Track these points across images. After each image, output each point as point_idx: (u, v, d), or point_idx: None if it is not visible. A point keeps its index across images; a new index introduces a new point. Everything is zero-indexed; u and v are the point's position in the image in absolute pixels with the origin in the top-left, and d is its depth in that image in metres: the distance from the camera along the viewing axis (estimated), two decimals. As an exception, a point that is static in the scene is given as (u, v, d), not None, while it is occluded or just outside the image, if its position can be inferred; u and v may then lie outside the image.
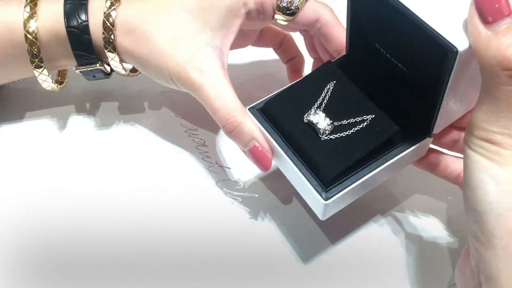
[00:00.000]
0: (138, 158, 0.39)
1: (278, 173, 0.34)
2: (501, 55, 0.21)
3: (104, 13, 0.32)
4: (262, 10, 0.34)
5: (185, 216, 0.36)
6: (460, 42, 0.24)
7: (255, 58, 0.46)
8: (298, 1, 0.34)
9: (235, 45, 0.39)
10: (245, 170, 0.39)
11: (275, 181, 0.38)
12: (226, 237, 0.35)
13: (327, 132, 0.30)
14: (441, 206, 0.38)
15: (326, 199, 0.28)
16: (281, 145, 0.31)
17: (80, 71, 0.35)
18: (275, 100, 0.32)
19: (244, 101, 0.32)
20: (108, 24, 0.32)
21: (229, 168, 0.39)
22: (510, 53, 0.21)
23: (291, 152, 0.30)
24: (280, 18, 0.34)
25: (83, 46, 0.33)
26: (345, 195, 0.29)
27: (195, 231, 0.35)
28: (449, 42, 0.24)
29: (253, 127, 0.31)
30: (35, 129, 0.39)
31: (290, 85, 0.33)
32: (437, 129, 0.30)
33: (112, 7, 0.32)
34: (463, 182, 0.25)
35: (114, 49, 0.33)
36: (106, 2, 0.33)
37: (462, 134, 0.32)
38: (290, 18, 0.35)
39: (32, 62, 0.33)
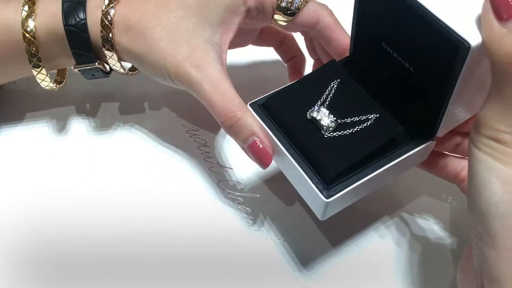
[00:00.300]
0: (138, 158, 0.39)
1: (280, 174, 0.34)
2: None
3: (102, 11, 0.32)
4: (262, 9, 0.34)
5: (186, 216, 0.36)
6: (472, 38, 0.23)
7: (255, 58, 0.46)
8: (299, 2, 0.34)
9: (235, 44, 0.39)
10: (246, 171, 0.38)
11: (277, 182, 0.38)
12: (227, 238, 0.35)
13: (330, 129, 0.30)
14: (440, 207, 0.38)
15: (328, 197, 0.28)
16: (282, 142, 0.30)
17: (78, 70, 0.35)
18: (277, 96, 0.32)
19: (244, 100, 0.32)
20: (106, 22, 0.32)
21: (230, 168, 0.39)
22: None
23: (292, 149, 0.30)
24: (279, 18, 0.34)
25: (82, 44, 0.33)
26: (346, 194, 0.28)
27: (195, 231, 0.35)
28: (461, 37, 0.23)
29: (253, 122, 0.30)
30: (35, 130, 0.39)
31: (293, 82, 0.33)
32: (440, 132, 0.30)
33: (111, 5, 0.32)
34: (468, 182, 0.24)
35: (112, 47, 0.33)
36: (104, 0, 0.32)
37: (464, 139, 0.32)
38: (290, 18, 0.34)
39: (30, 61, 0.33)
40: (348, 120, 0.31)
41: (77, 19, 0.32)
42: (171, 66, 0.31)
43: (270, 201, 0.37)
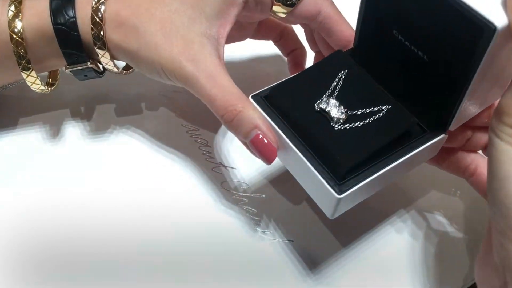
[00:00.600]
0: (138, 161, 0.37)
1: (286, 173, 0.33)
2: None
3: (92, 7, 0.31)
4: (260, 0, 0.32)
5: (190, 219, 0.35)
6: (498, 19, 0.22)
7: (254, 52, 0.45)
8: None
9: (232, 38, 0.38)
10: (250, 170, 0.37)
11: (283, 181, 0.37)
12: (233, 240, 0.34)
13: (341, 121, 0.29)
14: (450, 201, 0.37)
15: (340, 193, 0.26)
16: (288, 135, 0.29)
17: (70, 71, 0.34)
18: (282, 87, 0.31)
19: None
20: (97, 19, 0.31)
21: (234, 168, 0.38)
22: None
23: (300, 143, 0.28)
24: (279, 9, 0.33)
25: (72, 43, 0.32)
26: (359, 190, 0.27)
27: (200, 234, 0.34)
28: (486, 19, 0.22)
29: (255, 115, 0.29)
30: (29, 136, 0.38)
31: (298, 73, 0.32)
32: (453, 125, 0.28)
33: (101, 1, 0.31)
34: (488, 174, 0.23)
35: (104, 46, 0.32)
36: (94, -4, 0.31)
37: (475, 133, 0.31)
38: (290, 9, 0.33)
39: (19, 64, 0.32)
40: (359, 111, 0.29)
41: (66, 17, 0.31)
42: (166, 62, 0.30)
43: (276, 200, 0.36)
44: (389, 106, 0.29)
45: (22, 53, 0.31)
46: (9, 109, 0.39)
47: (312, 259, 0.33)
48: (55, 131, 0.38)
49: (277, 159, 0.30)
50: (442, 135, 0.29)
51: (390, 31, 0.30)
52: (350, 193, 0.26)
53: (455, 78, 0.26)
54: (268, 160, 0.29)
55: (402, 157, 0.28)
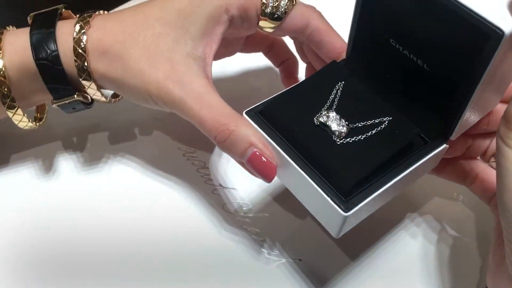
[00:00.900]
0: (135, 188, 0.37)
1: (288, 189, 0.32)
2: None
3: (74, 38, 0.30)
4: (246, 17, 0.32)
5: (194, 243, 0.34)
6: (505, 24, 0.21)
7: (244, 66, 0.44)
8: (285, 5, 0.32)
9: (221, 54, 0.37)
10: (251, 190, 0.37)
11: (285, 198, 0.36)
12: (239, 262, 0.33)
13: (343, 135, 0.28)
14: (453, 206, 0.37)
15: (347, 210, 0.25)
16: (287, 152, 0.28)
17: (57, 105, 0.33)
18: (277, 102, 0.30)
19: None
20: (80, 51, 0.30)
21: (234, 189, 0.37)
22: None
23: (300, 159, 0.27)
24: (265, 25, 0.33)
25: (56, 78, 0.31)
26: (365, 206, 0.26)
27: (205, 258, 0.34)
28: (493, 24, 0.21)
29: (249, 132, 0.28)
30: (22, 173, 0.37)
31: (293, 86, 0.31)
32: (455, 135, 0.28)
33: (82, 31, 0.31)
34: (498, 184, 0.23)
35: (89, 76, 0.31)
36: (75, 26, 0.31)
37: (475, 140, 0.31)
38: (277, 23, 0.33)
39: (3, 103, 0.31)
40: (360, 124, 0.28)
41: (48, 51, 0.31)
42: (152, 87, 0.30)
43: (279, 218, 0.35)
44: (390, 118, 0.29)
45: (6, 92, 0.31)
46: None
47: (322, 277, 0.33)
48: (48, 166, 0.38)
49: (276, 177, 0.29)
50: (444, 145, 0.29)
51: (387, 40, 0.29)
52: (357, 210, 0.26)
53: (458, 86, 0.25)
54: (268, 178, 0.29)
55: (406, 169, 0.27)
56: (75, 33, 0.31)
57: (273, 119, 0.29)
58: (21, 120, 0.33)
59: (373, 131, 0.28)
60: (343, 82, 0.30)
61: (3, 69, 0.30)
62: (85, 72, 0.31)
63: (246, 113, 0.29)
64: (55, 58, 0.31)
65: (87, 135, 0.39)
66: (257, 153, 0.28)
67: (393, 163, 0.27)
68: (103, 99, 0.33)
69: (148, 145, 0.39)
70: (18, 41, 0.31)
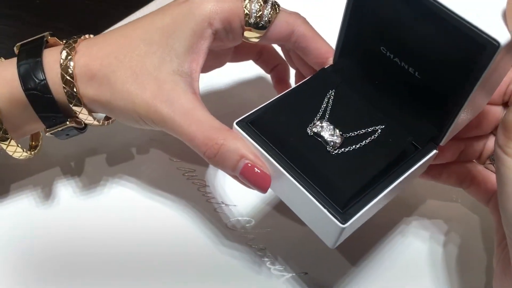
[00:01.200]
0: (137, 211, 0.37)
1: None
2: None
3: (61, 65, 0.31)
4: (230, 29, 0.32)
5: (199, 262, 0.34)
6: (500, 35, 0.21)
7: (235, 75, 0.44)
8: (268, 14, 0.32)
9: (211, 66, 0.38)
10: (252, 204, 0.37)
11: (286, 211, 0.35)
12: (246, 280, 0.33)
13: (337, 145, 0.28)
14: (453, 209, 0.37)
15: (344, 222, 0.25)
16: (282, 163, 0.27)
17: (51, 133, 0.33)
18: (269, 111, 0.30)
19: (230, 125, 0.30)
20: (67, 77, 0.31)
21: (235, 205, 0.37)
22: None
23: (295, 170, 0.27)
24: (250, 35, 0.33)
25: (47, 106, 0.31)
26: (361, 216, 0.26)
27: (211, 276, 0.34)
28: (488, 35, 0.22)
29: (239, 144, 0.28)
30: (22, 202, 0.37)
31: (283, 95, 0.31)
32: (445, 140, 0.28)
33: (68, 57, 0.31)
34: (499, 194, 0.22)
35: (79, 102, 0.31)
36: (61, 53, 0.31)
37: (467, 144, 0.32)
38: (262, 32, 0.32)
39: (-4, 136, 0.31)
40: (354, 133, 0.29)
41: (37, 80, 0.31)
42: (141, 108, 0.30)
43: (283, 232, 0.35)
44: (383, 126, 0.29)
45: (-2, 124, 0.31)
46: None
47: (325, 283, 0.33)
48: (47, 193, 0.38)
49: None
50: (434, 151, 0.29)
51: (377, 47, 0.29)
52: (354, 220, 0.26)
53: (450, 95, 0.26)
54: (262, 188, 0.28)
55: (400, 177, 0.27)
56: (61, 60, 0.31)
57: (265, 130, 0.29)
58: (15, 151, 0.33)
59: (367, 140, 0.28)
60: (334, 90, 0.30)
61: (-7, 102, 0.31)
62: (75, 98, 0.31)
63: (237, 123, 0.29)
64: (44, 87, 0.31)
65: (84, 160, 0.40)
66: (249, 164, 0.28)
67: (386, 171, 0.27)
68: (95, 122, 0.34)
69: (147, 167, 0.39)
70: (6, 72, 0.31)
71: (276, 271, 0.34)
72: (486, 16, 0.22)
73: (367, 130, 0.29)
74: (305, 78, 0.33)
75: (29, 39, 0.32)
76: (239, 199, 0.37)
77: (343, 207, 0.26)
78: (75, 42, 0.32)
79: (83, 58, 0.31)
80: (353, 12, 0.29)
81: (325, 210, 0.26)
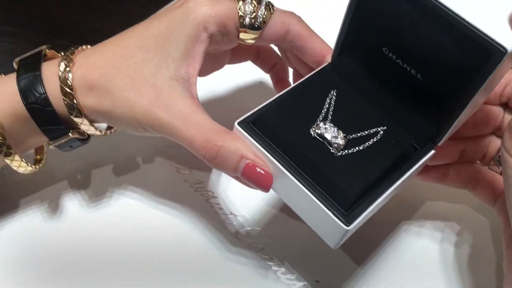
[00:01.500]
0: (146, 223, 0.37)
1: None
2: None
3: (60, 77, 0.31)
4: (226, 32, 0.32)
5: (210, 274, 0.34)
6: (506, 42, 0.22)
7: (234, 76, 0.44)
8: (263, 15, 0.32)
9: (209, 69, 0.38)
10: (261, 213, 0.37)
11: (294, 218, 0.36)
12: None
13: (341, 147, 0.28)
14: (454, 209, 0.38)
15: (348, 224, 0.25)
16: (285, 164, 0.27)
17: (54, 146, 0.34)
18: (270, 112, 0.30)
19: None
20: (67, 89, 0.31)
21: (245, 216, 0.37)
22: None
23: (298, 172, 0.27)
24: (246, 36, 0.33)
25: (49, 119, 0.32)
26: (364, 217, 0.26)
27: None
28: (495, 41, 0.22)
29: (238, 145, 0.28)
30: (31, 217, 0.38)
31: (284, 94, 0.31)
32: (443, 141, 0.29)
33: (67, 69, 0.31)
34: (506, 194, 0.23)
35: (80, 113, 0.32)
36: (59, 65, 0.31)
37: (468, 144, 0.33)
38: (257, 33, 0.33)
39: (0, 152, 0.32)
40: (357, 135, 0.29)
41: (37, 94, 0.31)
42: (140, 115, 0.30)
43: (293, 240, 0.36)
44: (385, 127, 0.29)
45: (1, 140, 0.32)
46: (7, 194, 0.40)
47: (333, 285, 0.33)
48: (54, 207, 0.38)
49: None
50: (432, 152, 0.30)
51: (379, 48, 0.30)
52: (357, 222, 0.26)
53: (452, 97, 0.26)
54: (265, 187, 0.29)
55: (400, 178, 0.28)
56: (60, 73, 0.31)
57: (267, 130, 0.29)
58: (19, 166, 0.33)
59: (370, 142, 0.29)
60: (336, 90, 0.31)
61: (-4, 118, 0.31)
62: (75, 110, 0.31)
63: (238, 124, 0.29)
64: (45, 100, 0.31)
65: (90, 173, 0.40)
66: (250, 164, 0.28)
67: (387, 172, 0.28)
68: (97, 132, 0.34)
69: (155, 179, 0.39)
70: (6, 88, 0.32)
71: (287, 281, 0.34)
72: (492, 22, 0.22)
73: (370, 132, 0.29)
74: (303, 77, 0.33)
75: (27, 54, 0.33)
76: (248, 209, 0.37)
77: (347, 209, 0.26)
78: (73, 53, 0.32)
79: (81, 69, 0.31)
80: (355, 11, 0.29)
81: (329, 212, 0.26)
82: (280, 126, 0.29)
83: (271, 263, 0.34)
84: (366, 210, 0.26)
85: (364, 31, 0.30)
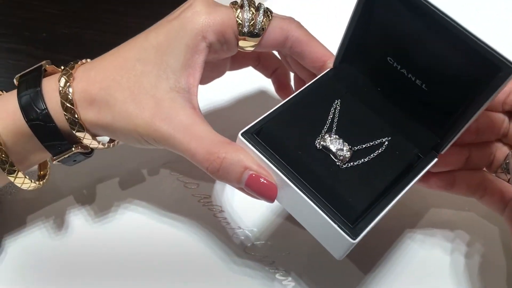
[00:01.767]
0: (153, 238, 0.37)
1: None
2: None
3: (60, 93, 0.31)
4: (224, 40, 0.32)
5: None
6: None
7: (236, 83, 0.44)
8: (261, 22, 0.32)
9: (210, 77, 0.38)
10: (270, 226, 0.37)
11: (302, 231, 0.35)
12: None
13: (347, 159, 0.28)
14: (461, 216, 0.38)
15: (355, 238, 0.25)
16: (290, 177, 0.27)
17: (58, 161, 0.34)
18: (274, 122, 0.30)
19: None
20: (68, 104, 0.31)
21: (253, 230, 0.37)
22: None
23: (304, 185, 0.27)
24: (245, 44, 0.33)
25: (51, 135, 0.32)
26: (370, 230, 0.26)
27: None
28: (504, 58, 0.23)
29: (242, 156, 0.28)
30: (37, 234, 0.38)
31: (287, 103, 0.31)
32: (446, 149, 0.29)
33: (67, 84, 0.31)
34: None
35: (82, 128, 0.32)
36: (59, 81, 0.32)
37: (472, 151, 0.33)
38: (256, 40, 0.33)
39: (3, 169, 0.32)
40: (362, 146, 0.29)
41: (38, 110, 0.31)
42: (142, 128, 0.30)
43: (303, 254, 0.36)
44: (389, 138, 0.29)
45: (4, 158, 0.32)
46: (14, 211, 0.40)
47: None
48: (59, 224, 0.39)
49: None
50: (435, 160, 0.30)
51: (384, 57, 0.30)
52: (363, 235, 0.26)
53: (458, 109, 0.26)
54: (270, 198, 0.29)
55: (405, 188, 0.28)
56: (60, 88, 0.31)
57: (271, 141, 0.29)
58: (23, 182, 0.33)
59: (375, 154, 0.29)
60: (340, 100, 0.31)
61: (-2, 136, 0.31)
62: (77, 124, 0.32)
63: (242, 134, 0.29)
64: (46, 116, 0.31)
65: (94, 187, 0.40)
66: (253, 175, 0.28)
67: (393, 183, 0.28)
68: (100, 146, 0.34)
69: (163, 194, 0.40)
70: (8, 105, 0.32)
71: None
72: (499, 37, 0.24)
73: (374, 143, 0.29)
74: (304, 81, 0.33)
75: (27, 70, 0.33)
76: (257, 223, 0.37)
77: (353, 222, 0.26)
78: (73, 68, 0.32)
79: (81, 84, 0.32)
80: (360, 19, 0.29)
81: (335, 226, 0.26)
82: (284, 137, 0.29)
83: (281, 278, 0.35)
84: (372, 223, 0.26)
85: (369, 39, 0.30)
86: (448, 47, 0.26)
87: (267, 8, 0.33)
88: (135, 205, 0.39)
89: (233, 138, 0.30)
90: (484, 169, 0.34)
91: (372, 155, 0.29)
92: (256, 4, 0.33)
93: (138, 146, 0.32)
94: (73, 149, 0.33)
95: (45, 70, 0.34)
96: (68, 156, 0.34)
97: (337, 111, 0.30)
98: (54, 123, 0.32)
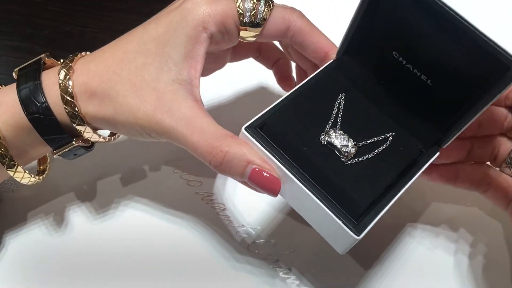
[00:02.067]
0: (155, 236, 0.37)
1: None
2: None
3: (60, 86, 0.31)
4: (225, 31, 0.32)
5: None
6: None
7: (237, 75, 0.44)
8: (262, 11, 0.32)
9: (211, 69, 0.38)
10: (275, 226, 0.37)
11: (309, 230, 0.35)
12: None
13: (351, 155, 0.28)
14: (464, 212, 0.38)
15: (359, 234, 0.25)
16: (294, 172, 0.27)
17: (58, 155, 0.33)
18: (278, 116, 0.30)
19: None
20: (68, 98, 0.31)
21: (257, 228, 0.37)
22: None
23: (308, 180, 0.27)
24: (246, 34, 0.33)
25: (51, 128, 0.32)
26: (373, 226, 0.26)
27: None
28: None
29: (245, 150, 0.28)
30: (37, 231, 0.38)
31: (291, 97, 0.31)
32: (448, 143, 0.29)
33: (67, 77, 0.31)
34: None
35: (82, 121, 0.32)
36: (59, 74, 0.31)
37: (474, 143, 0.33)
38: (258, 30, 0.33)
39: (2, 164, 0.32)
40: (366, 142, 0.29)
41: (38, 104, 0.31)
42: (143, 121, 0.30)
43: (307, 251, 0.36)
44: (394, 133, 0.29)
45: (4, 152, 0.32)
46: (15, 208, 0.40)
47: None
48: (59, 221, 0.38)
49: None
50: (437, 154, 0.30)
51: (389, 52, 0.30)
52: (367, 231, 0.26)
53: (463, 106, 0.26)
54: (273, 192, 0.28)
55: (408, 183, 0.28)
56: (60, 81, 0.31)
57: (275, 135, 0.29)
58: (22, 177, 0.33)
59: (379, 149, 0.29)
60: (344, 95, 0.31)
61: (-3, 130, 0.31)
62: (78, 118, 0.31)
63: (245, 129, 0.29)
64: (46, 110, 0.31)
65: (95, 183, 0.40)
66: (256, 169, 0.28)
67: (397, 179, 0.28)
68: (101, 139, 0.34)
69: (166, 191, 0.39)
70: (7, 99, 0.32)
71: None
72: (507, 36, 0.23)
73: (379, 138, 0.29)
74: (305, 72, 0.33)
75: (26, 63, 0.33)
76: (260, 221, 0.37)
77: (357, 219, 0.26)
78: (72, 61, 0.32)
79: (81, 77, 0.32)
80: (366, 12, 0.29)
81: (340, 222, 0.26)
82: (288, 131, 0.29)
83: (285, 276, 0.35)
84: (376, 219, 0.26)
85: (374, 33, 0.30)
86: (456, 44, 0.26)
87: None
88: (137, 203, 0.39)
89: (235, 132, 0.29)
90: (489, 163, 0.34)
91: (376, 151, 0.29)
92: (257, -6, 0.33)
93: (139, 139, 0.32)
94: (73, 142, 0.33)
95: (45, 63, 0.34)
96: (69, 150, 0.34)
97: (341, 105, 0.30)
98: (54, 116, 0.32)
